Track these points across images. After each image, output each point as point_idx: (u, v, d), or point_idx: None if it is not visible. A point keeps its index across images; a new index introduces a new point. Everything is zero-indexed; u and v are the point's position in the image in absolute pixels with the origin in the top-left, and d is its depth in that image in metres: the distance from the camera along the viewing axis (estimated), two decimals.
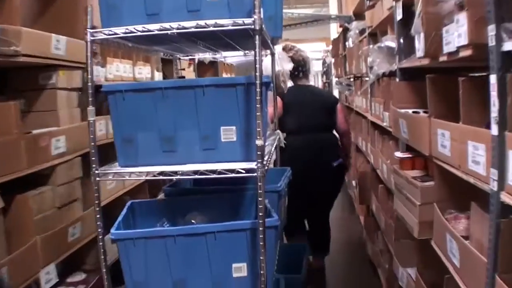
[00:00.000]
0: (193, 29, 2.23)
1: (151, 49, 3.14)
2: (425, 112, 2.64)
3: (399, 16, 3.00)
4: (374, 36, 4.49)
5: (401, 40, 3.07)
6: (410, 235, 2.66)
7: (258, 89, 2.17)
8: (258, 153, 2.22)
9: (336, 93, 10.00)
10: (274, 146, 3.12)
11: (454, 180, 2.08)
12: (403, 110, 2.84)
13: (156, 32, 2.27)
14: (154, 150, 2.42)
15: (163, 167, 2.38)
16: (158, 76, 5.16)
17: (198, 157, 2.40)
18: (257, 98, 2.17)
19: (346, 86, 7.10)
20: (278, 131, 3.51)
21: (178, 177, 2.33)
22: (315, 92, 4.45)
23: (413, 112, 2.75)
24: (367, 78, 4.87)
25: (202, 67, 6.06)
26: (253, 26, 2.17)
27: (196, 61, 3.79)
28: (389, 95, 3.33)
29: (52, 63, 3.03)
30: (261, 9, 2.17)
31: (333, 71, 9.92)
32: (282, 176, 3.06)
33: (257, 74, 2.17)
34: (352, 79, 6.49)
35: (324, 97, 4.43)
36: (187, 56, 3.61)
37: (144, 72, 4.70)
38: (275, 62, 3.71)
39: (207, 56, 3.65)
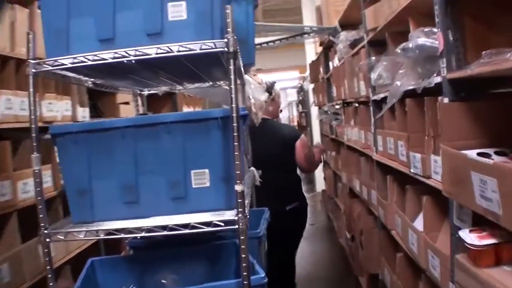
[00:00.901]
0: (154, 55, 2.08)
1: (111, 85, 2.98)
2: (499, 153, 1.92)
3: None
4: (378, 44, 3.63)
5: (450, 35, 2.13)
6: None
7: (235, 124, 2.03)
8: (239, 201, 2.06)
9: (316, 124, 9.82)
10: (251, 187, 3.00)
11: None
12: (468, 153, 1.86)
13: (111, 60, 2.10)
14: (113, 201, 2.26)
15: (125, 223, 2.20)
16: (83, 112, 4.37)
17: (165, 208, 2.25)
18: (234, 134, 2.03)
19: (333, 115, 6.63)
20: (253, 168, 3.34)
21: (143, 234, 2.15)
22: (275, 127, 4.29)
23: (479, 154, 1.87)
24: (356, 104, 4.64)
25: (155, 101, 5.51)
26: (226, 49, 2.03)
27: (146, 93, 3.49)
28: (421, 125, 2.57)
29: None
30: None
31: (313, 98, 9.59)
32: (261, 218, 2.96)
33: (233, 106, 2.03)
34: (340, 106, 6.05)
35: (283, 132, 4.26)
36: (149, 90, 3.43)
37: (60, 109, 3.93)
38: (247, 93, 3.59)
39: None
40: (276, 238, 3.65)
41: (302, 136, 4.30)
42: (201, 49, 2.05)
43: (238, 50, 2.12)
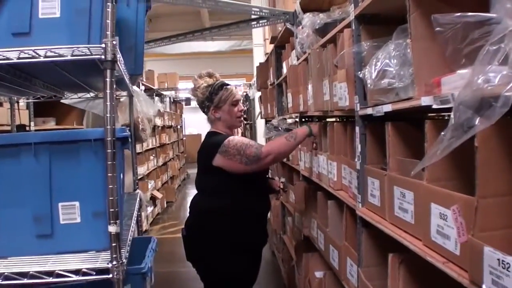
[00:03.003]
0: (16, 60, 2.09)
1: None
2: None
3: None
4: (373, 22, 2.79)
5: None
6: None
7: (109, 150, 2.06)
8: (113, 244, 2.10)
9: (262, 139, 9.38)
10: (135, 215, 3.04)
11: None
12: None
13: None
14: None
15: None
16: None
17: (29, 247, 2.27)
18: (108, 162, 2.06)
19: (285, 132, 5.08)
20: (139, 191, 3.35)
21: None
22: (204, 142, 3.90)
23: None
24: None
25: (57, 106, 5.37)
26: (103, 57, 2.06)
27: (31, 100, 3.50)
28: None
29: None
30: (116, 36, 2.10)
31: (260, 109, 8.97)
32: (146, 249, 2.99)
33: (108, 127, 2.06)
34: (295, 120, 5.32)
35: (202, 148, 3.83)
36: (27, 98, 3.43)
37: None
38: (134, 106, 3.61)
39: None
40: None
41: (222, 146, 3.57)
42: (73, 55, 2.08)
43: (119, 59, 2.17)
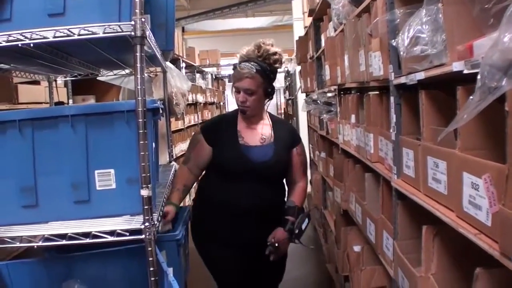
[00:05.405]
0: (52, 39, 2.29)
1: (15, 69, 3.16)
2: None
3: None
4: None
5: None
6: None
7: (140, 119, 2.26)
8: (145, 207, 2.30)
9: (304, 113, 9.48)
10: (168, 184, 3.23)
11: None
12: None
13: (4, 44, 2.30)
14: (9, 204, 2.48)
15: (21, 229, 2.41)
16: None
17: (67, 212, 2.48)
18: (140, 131, 2.26)
19: (324, 106, 5.79)
20: (173, 163, 3.53)
21: (40, 244, 2.37)
22: None
23: None
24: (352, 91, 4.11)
25: (96, 84, 5.26)
26: (133, 33, 2.25)
27: (68, 78, 3.70)
28: None
29: None
30: (146, 13, 2.27)
31: (300, 83, 9.04)
32: (181, 218, 3.14)
33: (139, 99, 2.25)
34: (334, 93, 5.25)
35: None
36: (65, 76, 3.65)
37: None
38: (168, 82, 3.79)
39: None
40: None
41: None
42: (104, 33, 2.27)
43: (149, 35, 2.35)
